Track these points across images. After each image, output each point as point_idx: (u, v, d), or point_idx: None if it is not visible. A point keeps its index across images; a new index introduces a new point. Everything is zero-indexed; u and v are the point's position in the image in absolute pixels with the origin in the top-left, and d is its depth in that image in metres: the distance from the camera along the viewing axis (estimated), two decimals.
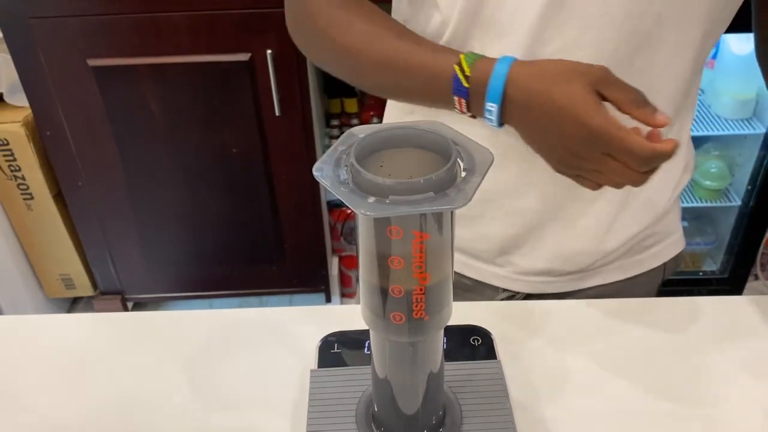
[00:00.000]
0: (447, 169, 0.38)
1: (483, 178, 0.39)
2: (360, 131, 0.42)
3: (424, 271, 0.41)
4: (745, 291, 2.05)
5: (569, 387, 0.60)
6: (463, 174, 0.39)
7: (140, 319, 0.70)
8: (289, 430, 0.57)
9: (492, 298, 0.78)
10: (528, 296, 0.77)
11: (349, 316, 0.68)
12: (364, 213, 0.36)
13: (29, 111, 1.61)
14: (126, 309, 2.00)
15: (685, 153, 0.75)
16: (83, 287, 1.94)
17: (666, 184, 0.74)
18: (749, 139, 1.79)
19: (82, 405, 0.60)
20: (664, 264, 0.80)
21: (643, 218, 0.74)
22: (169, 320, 0.70)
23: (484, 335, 0.62)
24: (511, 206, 0.70)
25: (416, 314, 0.43)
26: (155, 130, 1.59)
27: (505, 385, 0.56)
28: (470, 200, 0.37)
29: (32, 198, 1.72)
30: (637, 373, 0.62)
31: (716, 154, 1.86)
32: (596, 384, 0.60)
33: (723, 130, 1.73)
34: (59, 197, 1.73)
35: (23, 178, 1.68)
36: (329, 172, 0.40)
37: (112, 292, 1.95)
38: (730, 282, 1.99)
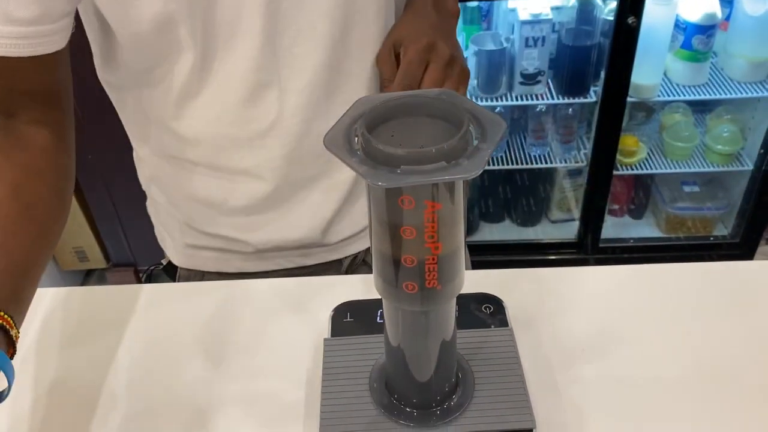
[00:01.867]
0: (459, 138, 0.38)
1: (495, 147, 0.38)
2: (370, 100, 0.42)
3: (437, 240, 0.41)
4: (756, 255, 2.04)
5: (581, 354, 0.60)
6: (475, 142, 0.39)
7: (153, 290, 0.71)
8: (304, 399, 0.57)
9: (339, 270, 0.80)
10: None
11: (361, 285, 0.68)
12: (376, 183, 0.36)
13: None
14: (139, 281, 2.02)
15: None
16: (96, 260, 1.96)
17: None
18: (762, 102, 1.77)
19: (97, 376, 0.61)
20: None
21: None
22: (181, 292, 0.71)
23: (496, 303, 0.62)
24: (329, 181, 0.71)
25: (429, 284, 0.43)
26: None
27: (516, 352, 0.57)
28: (483, 169, 0.37)
29: None
30: (649, 339, 0.62)
31: (728, 118, 1.84)
32: (608, 350, 0.61)
33: (736, 94, 1.71)
34: None
35: None
36: (340, 142, 0.39)
37: (124, 264, 1.97)
38: (741, 246, 1.99)
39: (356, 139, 0.40)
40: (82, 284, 2.10)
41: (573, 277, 0.69)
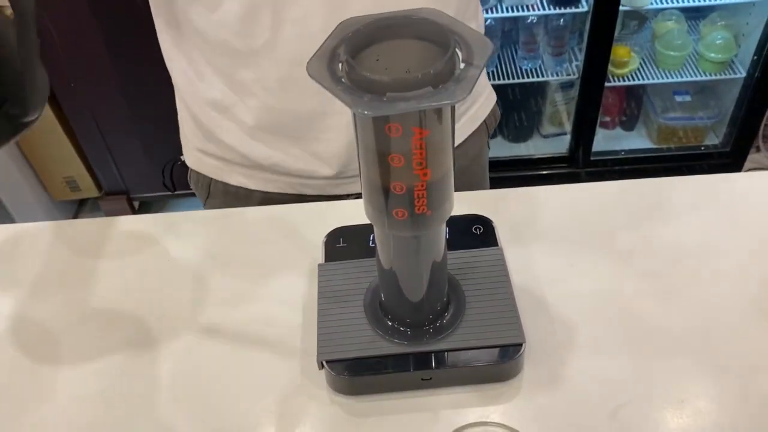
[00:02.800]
0: (445, 62, 0.37)
1: (482, 70, 0.38)
2: (353, 23, 0.41)
3: (425, 167, 0.41)
4: (746, 163, 2.05)
5: (570, 270, 0.62)
6: (462, 65, 0.38)
7: (144, 221, 0.71)
8: (301, 322, 0.59)
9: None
10: None
11: (352, 210, 0.69)
12: (362, 112, 0.36)
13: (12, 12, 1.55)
14: (133, 208, 2.02)
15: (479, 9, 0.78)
16: (88, 189, 1.96)
17: None
18: (758, 6, 1.73)
19: (91, 308, 0.62)
20: (484, 122, 0.84)
21: None
22: (174, 222, 0.71)
23: (485, 223, 0.63)
24: (341, 120, 0.71)
25: (418, 210, 0.44)
26: (143, 22, 1.54)
27: (506, 270, 0.58)
28: (470, 92, 0.36)
29: None
30: (638, 254, 0.63)
31: (722, 24, 1.80)
32: (596, 266, 0.62)
33: None
34: (53, 99, 1.71)
35: None
36: (323, 69, 0.39)
37: (117, 192, 1.97)
38: (732, 155, 1.99)
39: (340, 65, 0.39)
40: (76, 214, 2.11)
41: (562, 194, 0.70)
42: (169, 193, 1.97)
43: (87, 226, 0.72)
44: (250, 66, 0.68)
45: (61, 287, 0.65)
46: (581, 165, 2.01)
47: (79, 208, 2.13)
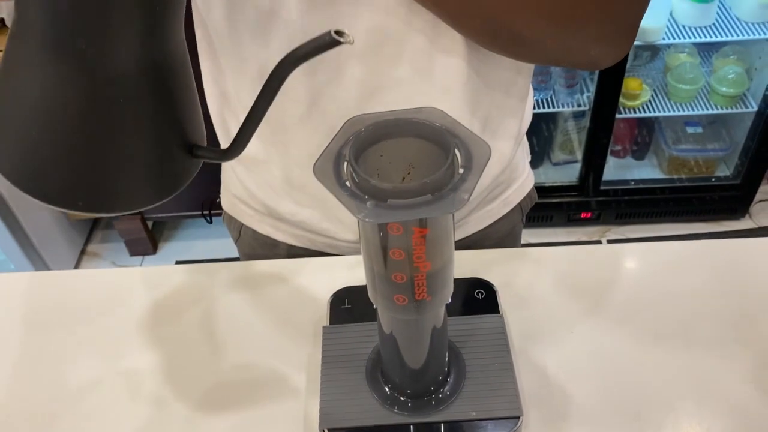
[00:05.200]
0: (445, 170, 0.39)
1: (480, 176, 0.39)
2: (359, 122, 0.43)
3: (425, 260, 0.43)
4: (757, 194, 2.05)
5: (570, 336, 0.63)
6: (461, 171, 0.40)
7: (151, 272, 0.73)
8: (305, 383, 0.61)
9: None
10: None
11: (360, 266, 0.70)
12: (364, 219, 0.38)
13: None
14: (146, 228, 2.05)
15: (525, 105, 0.76)
16: None
17: (509, 133, 0.73)
18: None
19: (97, 357, 0.64)
20: (519, 204, 0.83)
21: (492, 169, 0.74)
22: (181, 272, 0.73)
23: (487, 287, 0.64)
24: None
25: (418, 296, 0.46)
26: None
27: (506, 340, 0.59)
28: (467, 201, 0.38)
29: None
30: (640, 318, 0.64)
31: (734, 59, 1.81)
32: (596, 331, 0.63)
33: (743, 35, 1.67)
34: None
35: None
36: (329, 170, 0.41)
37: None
38: (742, 187, 1.99)
39: (345, 164, 0.41)
40: (90, 233, 2.14)
41: (566, 255, 0.71)
42: (183, 213, 2.01)
43: (92, 276, 0.75)
44: (286, 132, 0.68)
45: (60, 336, 0.67)
46: (591, 194, 2.02)
47: (92, 227, 2.16)
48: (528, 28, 0.55)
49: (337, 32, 0.36)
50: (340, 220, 0.75)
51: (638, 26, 0.58)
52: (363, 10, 0.56)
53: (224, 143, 0.76)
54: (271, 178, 0.74)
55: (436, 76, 0.61)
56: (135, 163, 0.41)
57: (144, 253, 2.10)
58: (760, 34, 1.68)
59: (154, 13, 0.38)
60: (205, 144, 0.46)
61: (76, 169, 0.40)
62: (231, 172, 0.81)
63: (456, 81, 0.62)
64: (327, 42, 0.36)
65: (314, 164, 0.41)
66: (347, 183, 0.40)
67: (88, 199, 0.41)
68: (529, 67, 0.71)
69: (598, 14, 0.54)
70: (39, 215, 1.88)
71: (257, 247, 0.83)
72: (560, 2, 0.53)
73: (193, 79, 0.44)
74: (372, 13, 0.56)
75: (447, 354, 0.56)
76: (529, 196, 0.85)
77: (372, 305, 0.63)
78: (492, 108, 0.68)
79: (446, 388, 0.56)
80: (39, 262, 1.86)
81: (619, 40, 0.58)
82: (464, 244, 0.80)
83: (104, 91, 0.38)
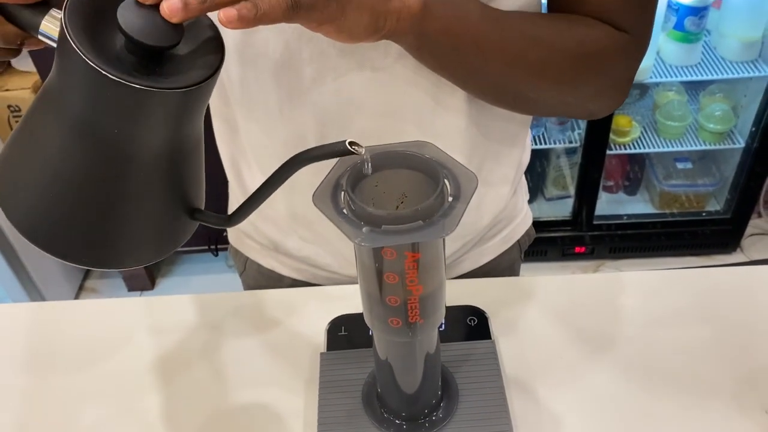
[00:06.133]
0: (435, 198, 0.42)
1: (468, 204, 0.42)
2: (357, 155, 0.46)
3: (417, 284, 0.45)
4: (747, 228, 2.08)
5: (562, 363, 0.65)
6: (450, 199, 0.43)
7: (148, 303, 0.75)
8: (302, 407, 0.62)
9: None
10: None
11: (356, 295, 0.73)
12: (359, 243, 0.40)
13: (37, 76, 1.63)
14: None
15: (522, 152, 0.77)
16: None
17: (505, 179, 0.75)
18: (755, 81, 1.78)
19: (98, 387, 0.66)
20: (518, 241, 0.85)
21: (490, 210, 0.76)
22: (181, 302, 0.75)
23: (479, 315, 0.67)
24: None
25: (411, 319, 0.48)
26: None
27: (498, 365, 0.62)
28: (456, 227, 0.41)
29: None
30: (630, 345, 0.66)
31: (721, 96, 1.86)
32: (587, 359, 0.65)
33: (728, 73, 1.73)
34: None
35: None
36: (327, 199, 0.43)
37: None
38: (733, 221, 2.03)
39: (342, 193, 0.44)
40: (88, 269, 2.15)
41: (556, 285, 0.74)
42: (184, 249, 2.03)
43: (95, 307, 0.77)
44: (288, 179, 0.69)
45: (58, 367, 0.68)
46: (585, 228, 2.04)
47: None
48: (531, 88, 0.59)
49: (351, 143, 0.40)
50: (343, 256, 0.77)
51: (632, 81, 0.63)
52: (370, 75, 0.59)
53: (229, 173, 0.79)
54: (276, 214, 0.76)
55: (437, 131, 0.64)
56: (141, 227, 0.44)
57: (142, 289, 2.11)
58: (744, 73, 1.73)
59: (187, 111, 0.41)
60: (203, 205, 0.49)
61: (87, 231, 0.43)
62: (237, 205, 0.83)
63: (456, 135, 0.65)
64: (341, 150, 0.41)
65: (314, 193, 0.44)
66: (344, 210, 0.43)
67: (93, 256, 0.45)
68: (528, 118, 0.74)
69: (597, 73, 0.59)
70: (39, 251, 1.90)
71: (261, 280, 0.85)
72: (562, 65, 0.57)
73: (203, 149, 0.47)
74: (379, 76, 0.60)
75: (440, 378, 0.58)
76: (527, 233, 0.87)
77: (367, 332, 0.65)
78: (488, 156, 0.70)
79: (440, 412, 0.58)
80: (38, 298, 1.87)
81: (614, 94, 0.63)
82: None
83: (123, 167, 0.41)
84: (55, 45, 0.40)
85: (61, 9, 0.38)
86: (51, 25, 0.41)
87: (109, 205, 0.42)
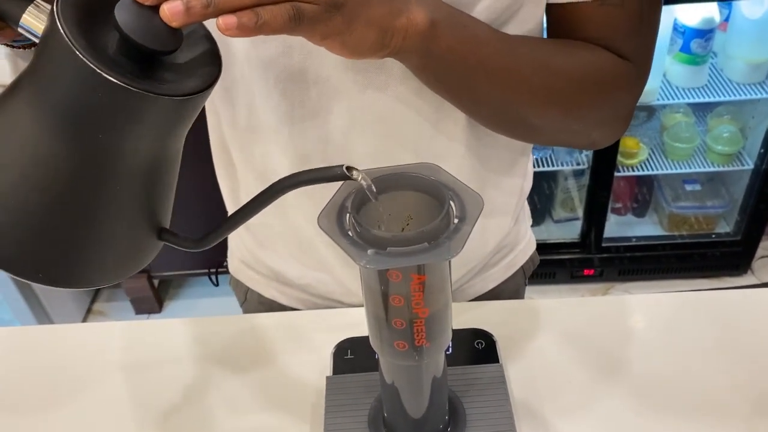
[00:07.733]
0: (440, 220, 0.42)
1: (473, 226, 0.42)
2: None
3: (423, 306, 0.45)
4: (758, 250, 2.06)
5: (571, 387, 0.64)
6: (456, 221, 0.42)
7: (156, 326, 0.75)
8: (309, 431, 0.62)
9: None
10: None
11: (362, 317, 0.72)
12: (365, 266, 0.40)
13: None
14: (153, 286, 2.07)
15: (524, 181, 0.77)
16: None
17: (506, 209, 0.75)
18: (762, 102, 1.78)
19: (102, 411, 0.65)
20: (522, 267, 0.84)
21: (493, 237, 0.76)
22: (186, 326, 0.75)
23: (487, 338, 0.66)
24: None
25: (417, 342, 0.47)
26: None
27: (506, 389, 0.61)
28: (462, 249, 0.41)
29: None
30: (639, 369, 0.65)
31: (728, 118, 1.86)
32: (595, 383, 0.64)
33: (735, 95, 1.73)
34: None
35: None
36: (333, 222, 0.43)
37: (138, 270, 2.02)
38: (743, 243, 2.01)
39: (347, 216, 0.44)
40: (96, 292, 2.16)
41: (565, 308, 0.73)
42: (189, 272, 2.03)
43: (101, 329, 0.76)
44: (290, 204, 0.69)
45: (66, 391, 0.68)
46: (593, 251, 2.03)
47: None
48: (535, 114, 0.59)
49: (348, 168, 0.39)
50: (345, 285, 0.76)
51: (633, 111, 0.63)
52: (373, 97, 0.59)
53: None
54: (276, 242, 0.76)
55: (435, 157, 0.63)
56: (106, 243, 0.41)
57: (150, 312, 2.11)
58: (751, 95, 1.73)
59: (175, 122, 0.39)
60: (168, 224, 0.46)
61: (47, 243, 0.39)
62: (237, 238, 0.83)
63: (453, 162, 0.64)
64: (337, 175, 0.39)
65: (318, 216, 0.43)
66: (350, 233, 0.42)
67: (49, 272, 0.40)
68: (528, 146, 0.74)
69: (601, 99, 0.59)
70: None
71: (263, 310, 0.84)
72: (566, 90, 0.57)
73: (179, 169, 0.45)
74: (381, 99, 0.59)
75: (447, 403, 0.58)
76: (531, 259, 0.86)
77: (373, 356, 0.64)
78: (488, 185, 0.70)
79: None
80: (45, 320, 1.87)
81: (616, 124, 0.63)
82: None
83: (99, 174, 0.38)
84: (36, 39, 0.37)
85: (45, 2, 0.36)
86: (33, 19, 0.38)
87: (77, 215, 0.38)
